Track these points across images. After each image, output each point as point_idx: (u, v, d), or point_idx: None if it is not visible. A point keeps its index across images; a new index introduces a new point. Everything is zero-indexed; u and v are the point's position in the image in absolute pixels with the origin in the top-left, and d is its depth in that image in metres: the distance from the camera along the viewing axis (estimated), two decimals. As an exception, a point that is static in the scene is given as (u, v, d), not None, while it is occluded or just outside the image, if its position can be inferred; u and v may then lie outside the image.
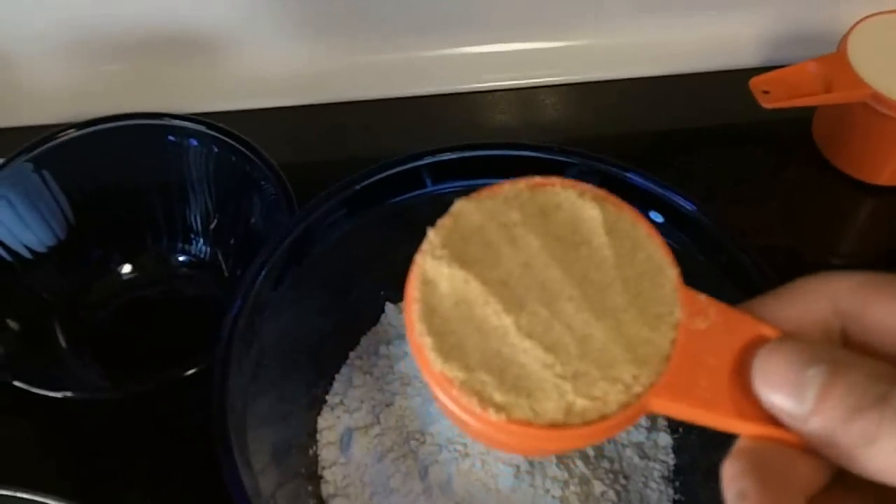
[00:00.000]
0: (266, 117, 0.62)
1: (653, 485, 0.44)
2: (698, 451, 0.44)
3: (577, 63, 0.64)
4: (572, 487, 0.42)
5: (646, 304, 0.22)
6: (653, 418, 0.46)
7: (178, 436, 0.48)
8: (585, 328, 0.22)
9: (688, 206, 0.42)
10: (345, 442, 0.45)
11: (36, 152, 0.50)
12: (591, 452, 0.44)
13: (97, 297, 0.53)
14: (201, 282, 0.53)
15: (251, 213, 0.50)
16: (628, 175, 0.43)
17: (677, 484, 0.45)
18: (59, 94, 0.62)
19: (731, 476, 0.21)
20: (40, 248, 0.51)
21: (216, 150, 0.51)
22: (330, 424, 0.46)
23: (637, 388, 0.22)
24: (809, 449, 0.21)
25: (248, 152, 0.50)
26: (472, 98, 0.64)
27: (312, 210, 0.43)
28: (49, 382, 0.44)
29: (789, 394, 0.21)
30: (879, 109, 0.53)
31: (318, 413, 0.46)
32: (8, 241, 0.50)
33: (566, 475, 0.42)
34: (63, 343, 0.50)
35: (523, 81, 0.64)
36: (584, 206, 0.24)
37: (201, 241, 0.54)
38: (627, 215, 0.24)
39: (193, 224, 0.53)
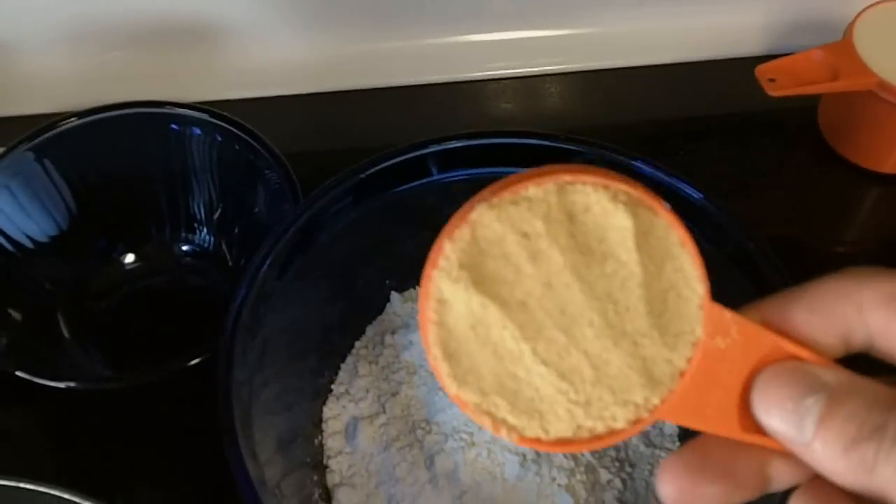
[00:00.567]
0: (270, 106, 0.62)
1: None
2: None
3: (582, 51, 0.64)
4: (578, 476, 0.42)
5: (668, 323, 0.22)
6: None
7: (182, 426, 0.48)
8: (603, 354, 0.22)
9: (695, 194, 0.41)
10: (350, 431, 0.45)
11: (37, 141, 0.50)
12: (597, 442, 0.43)
13: (100, 286, 0.53)
14: (205, 271, 0.53)
15: (255, 202, 0.50)
16: (635, 163, 0.42)
17: (683, 473, 0.45)
18: (60, 83, 0.62)
19: None
20: (42, 238, 0.51)
21: (220, 138, 0.51)
22: (335, 414, 0.46)
23: (647, 407, 0.22)
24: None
25: (251, 141, 0.49)
26: (476, 86, 0.63)
27: (317, 199, 0.42)
28: (52, 373, 0.44)
29: (789, 421, 0.21)
30: (885, 97, 0.53)
31: (324, 402, 0.46)
32: (9, 231, 0.49)
33: (572, 464, 0.42)
34: (66, 333, 0.50)
35: (528, 70, 0.64)
36: (615, 213, 0.22)
37: (205, 230, 0.53)
38: (662, 220, 0.22)
39: (197, 213, 0.53)
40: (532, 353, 0.21)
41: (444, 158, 0.44)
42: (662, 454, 0.45)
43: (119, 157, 0.52)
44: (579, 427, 0.22)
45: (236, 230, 0.52)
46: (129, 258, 0.54)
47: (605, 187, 0.22)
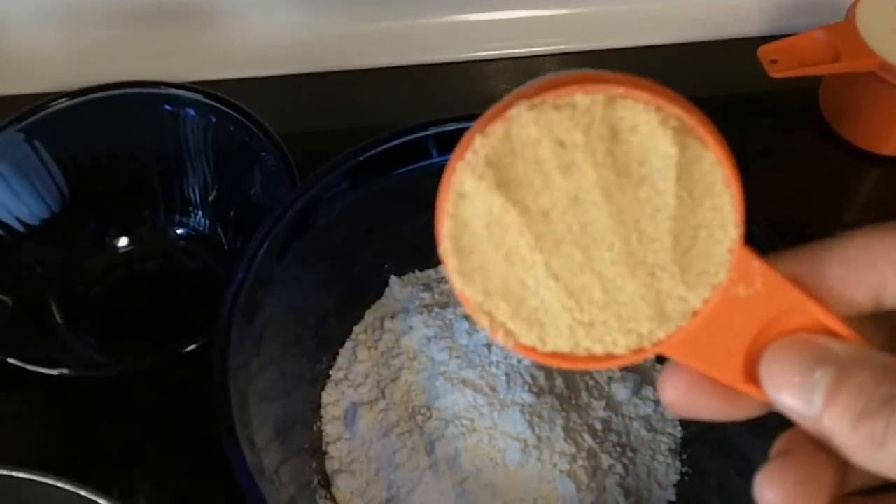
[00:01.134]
0: (265, 86, 0.61)
1: (660, 458, 0.44)
2: (706, 424, 0.44)
3: (581, 31, 0.63)
4: (580, 461, 0.42)
5: (691, 262, 0.21)
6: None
7: (178, 412, 0.47)
8: (617, 279, 0.21)
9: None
10: (349, 417, 0.44)
11: (27, 122, 0.49)
12: (598, 426, 0.43)
13: (93, 271, 0.52)
14: (200, 255, 0.52)
15: (251, 184, 0.49)
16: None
17: (685, 457, 0.44)
18: (51, 62, 0.61)
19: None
20: (33, 221, 0.50)
21: (214, 119, 0.50)
22: (334, 399, 0.45)
23: (651, 338, 0.22)
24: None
25: (247, 122, 0.48)
26: (474, 67, 0.62)
27: (315, 182, 0.42)
28: (44, 359, 0.43)
29: (797, 396, 0.20)
30: (887, 79, 0.53)
31: (322, 388, 0.46)
32: (-1, 214, 0.49)
33: (574, 449, 0.42)
34: (59, 318, 0.50)
35: (526, 50, 0.63)
36: (662, 138, 0.20)
37: (200, 213, 0.53)
38: (710, 155, 0.20)
39: (191, 196, 0.52)
40: (545, 265, 0.21)
41: (444, 140, 0.43)
42: (664, 439, 0.44)
43: (111, 139, 0.51)
44: (577, 345, 0.22)
45: (232, 213, 0.51)
46: (123, 241, 0.53)
47: (658, 108, 0.20)
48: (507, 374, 0.42)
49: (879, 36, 0.53)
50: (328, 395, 0.45)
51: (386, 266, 0.48)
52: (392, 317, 0.47)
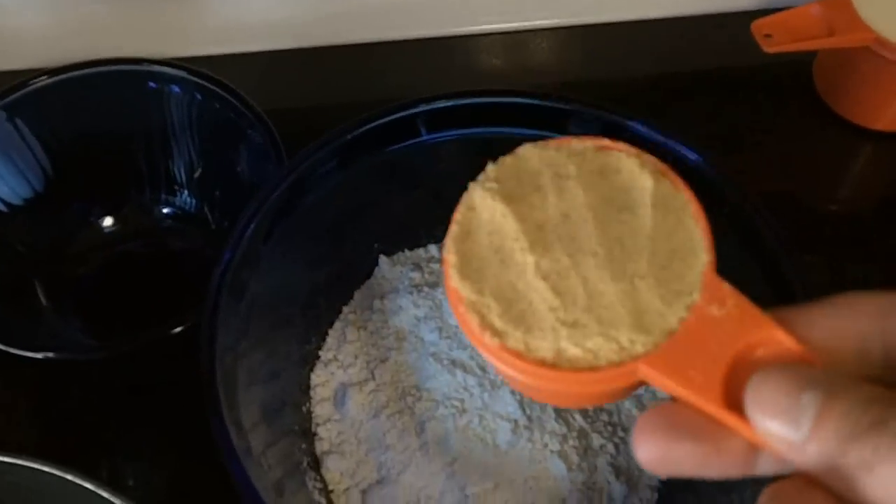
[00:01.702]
0: (251, 62, 0.60)
1: (652, 438, 0.44)
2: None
3: (574, 6, 0.62)
4: (571, 441, 0.41)
5: (668, 280, 0.23)
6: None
7: (167, 394, 0.47)
8: (599, 284, 0.23)
9: (692, 156, 0.40)
10: (339, 398, 0.44)
11: (9, 99, 0.48)
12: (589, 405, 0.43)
13: (78, 251, 0.51)
14: (187, 235, 0.52)
15: (237, 162, 0.49)
16: (630, 123, 0.41)
17: (677, 437, 0.44)
18: (33, 38, 0.60)
19: None
20: (15, 200, 0.49)
21: (199, 97, 0.49)
22: (324, 380, 0.45)
23: (631, 352, 0.22)
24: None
25: (232, 99, 0.48)
26: (465, 42, 0.62)
27: (302, 161, 0.41)
28: (29, 343, 0.42)
29: (784, 421, 0.20)
30: (882, 54, 0.52)
31: (312, 369, 0.45)
32: (-19, 193, 0.48)
33: (564, 429, 0.41)
34: (43, 300, 0.49)
35: (519, 24, 0.62)
36: (641, 176, 0.25)
37: (186, 192, 0.52)
38: (682, 195, 0.24)
39: (177, 175, 0.52)
40: (535, 266, 0.23)
41: (434, 118, 0.43)
42: (656, 419, 0.44)
43: (95, 117, 0.50)
44: (561, 352, 0.22)
45: (218, 192, 0.51)
46: (108, 221, 0.52)
47: (637, 156, 0.25)
48: (497, 355, 0.41)
49: (874, 10, 0.52)
50: (317, 376, 0.45)
51: (375, 245, 0.48)
52: (382, 297, 0.46)
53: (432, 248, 0.48)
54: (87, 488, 0.39)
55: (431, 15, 0.62)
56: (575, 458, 0.41)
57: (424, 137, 0.43)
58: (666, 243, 0.23)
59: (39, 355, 0.42)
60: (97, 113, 0.50)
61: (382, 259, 0.48)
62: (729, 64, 0.60)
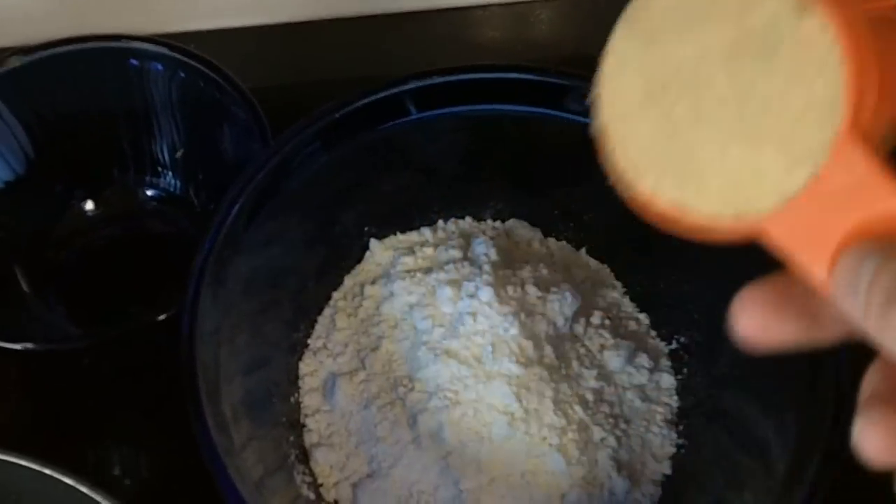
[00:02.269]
0: (236, 38, 0.59)
1: (655, 429, 0.42)
2: (703, 393, 0.42)
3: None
4: (570, 434, 0.40)
5: (798, 137, 0.21)
6: (655, 358, 0.44)
7: (152, 383, 0.46)
8: (720, 141, 0.22)
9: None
10: (328, 388, 0.43)
11: (-15, 79, 0.47)
12: (589, 397, 0.41)
13: (60, 235, 0.50)
14: (172, 217, 0.51)
15: (222, 142, 0.48)
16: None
17: (681, 427, 0.43)
18: (9, 16, 0.58)
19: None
20: (-6, 184, 0.48)
21: (182, 74, 0.48)
22: (312, 370, 0.44)
23: (751, 207, 0.21)
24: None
25: (216, 77, 0.47)
26: (461, 13, 0.60)
27: (288, 140, 0.40)
28: (11, 332, 0.41)
29: (847, 287, 0.20)
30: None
31: (300, 358, 0.44)
32: (-42, 176, 0.47)
33: (563, 422, 0.40)
34: (25, 287, 0.48)
35: (516, -6, 0.60)
36: (784, 7, 0.21)
37: (170, 173, 0.51)
38: (830, 32, 0.21)
39: (160, 155, 0.51)
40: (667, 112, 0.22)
41: (426, 95, 0.41)
42: (659, 409, 0.43)
43: (75, 96, 0.49)
44: (681, 196, 0.22)
45: (203, 172, 0.50)
46: (90, 205, 0.51)
47: None
48: (492, 344, 0.40)
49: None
50: (306, 365, 0.44)
51: (366, 229, 0.46)
52: (373, 282, 0.45)
53: (426, 232, 0.46)
54: (66, 483, 0.38)
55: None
56: (574, 452, 0.39)
57: (416, 115, 0.41)
58: (804, 94, 0.21)
59: (19, 346, 0.41)
60: (77, 92, 0.49)
61: (373, 243, 0.46)
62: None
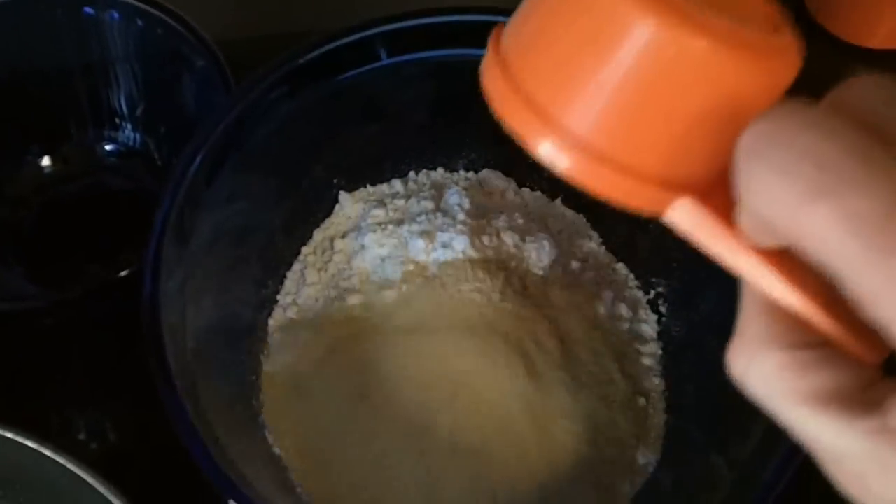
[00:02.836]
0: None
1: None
2: (683, 340, 0.42)
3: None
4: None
5: None
6: (634, 307, 0.43)
7: (115, 342, 0.45)
8: None
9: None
10: (298, 344, 0.41)
11: (-68, 32, 0.45)
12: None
13: (15, 193, 0.49)
14: (132, 172, 0.49)
15: (183, 94, 0.46)
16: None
17: (662, 374, 0.42)
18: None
19: None
20: (-56, 141, 0.47)
21: (140, 23, 0.46)
22: (282, 325, 0.42)
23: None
24: None
25: (177, 25, 0.45)
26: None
27: (251, 89, 0.39)
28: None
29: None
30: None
31: (269, 314, 0.43)
32: None
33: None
34: (-20, 246, 0.46)
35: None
36: None
37: (129, 126, 0.49)
38: None
39: (119, 108, 0.49)
40: None
41: (393, 40, 0.40)
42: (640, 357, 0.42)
43: (28, 47, 0.47)
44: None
45: (164, 125, 0.48)
46: (46, 161, 0.49)
47: None
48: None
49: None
50: (275, 321, 0.42)
51: (335, 181, 0.45)
52: (343, 236, 0.44)
53: (396, 184, 0.45)
54: (28, 447, 0.37)
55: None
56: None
57: (383, 62, 0.40)
58: None
59: (-24, 307, 0.39)
60: (30, 43, 0.47)
61: (343, 195, 0.45)
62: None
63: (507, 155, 0.46)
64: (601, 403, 0.39)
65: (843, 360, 0.18)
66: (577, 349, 0.40)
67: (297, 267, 0.44)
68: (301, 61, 0.39)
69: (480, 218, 0.42)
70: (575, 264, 0.43)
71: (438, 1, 0.54)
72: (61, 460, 0.36)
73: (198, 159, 0.37)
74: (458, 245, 0.39)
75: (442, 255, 0.40)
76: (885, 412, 0.17)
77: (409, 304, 0.40)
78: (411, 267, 0.40)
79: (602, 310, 0.42)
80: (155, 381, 0.33)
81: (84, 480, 0.36)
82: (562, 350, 0.39)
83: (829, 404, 0.17)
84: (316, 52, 0.39)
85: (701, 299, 0.40)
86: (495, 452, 0.38)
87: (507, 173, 0.46)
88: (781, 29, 0.21)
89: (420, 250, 0.40)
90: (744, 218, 0.18)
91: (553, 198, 0.46)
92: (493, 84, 0.22)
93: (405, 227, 0.42)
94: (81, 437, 0.44)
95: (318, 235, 0.45)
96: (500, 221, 0.42)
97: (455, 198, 0.42)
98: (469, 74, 0.41)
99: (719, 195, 0.20)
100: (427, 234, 0.41)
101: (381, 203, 0.44)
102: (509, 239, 0.41)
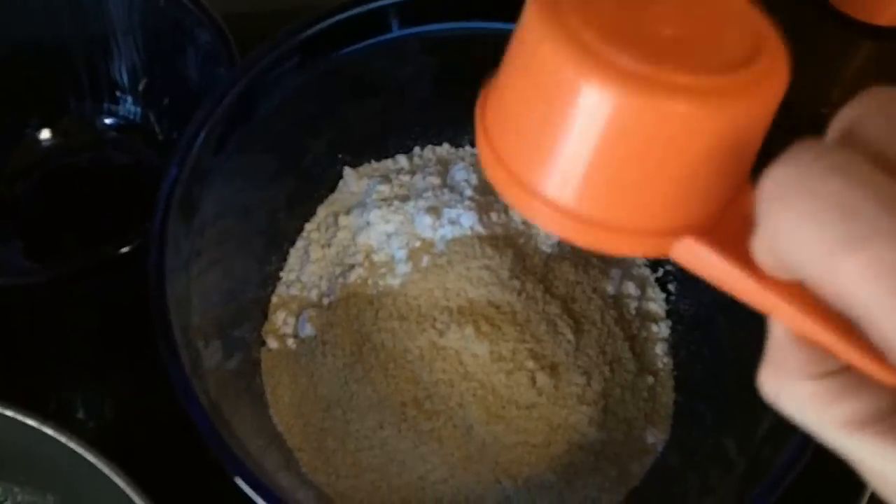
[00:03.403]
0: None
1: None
2: (692, 318, 0.41)
3: None
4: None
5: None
6: (642, 286, 0.42)
7: (116, 320, 0.44)
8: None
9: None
10: (301, 321, 0.41)
11: (-70, 3, 0.44)
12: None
13: (15, 167, 0.48)
14: (133, 147, 0.49)
15: (186, 67, 0.45)
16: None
17: (671, 351, 0.42)
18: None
19: None
20: (-57, 114, 0.46)
21: None
22: (284, 302, 0.42)
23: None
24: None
25: None
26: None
27: (256, 62, 0.38)
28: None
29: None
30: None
31: (273, 291, 0.43)
32: None
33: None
34: (-22, 221, 0.46)
35: None
36: None
37: (130, 100, 0.49)
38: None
39: (120, 81, 0.48)
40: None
41: (399, 13, 0.40)
42: (649, 335, 0.42)
43: (27, 19, 0.47)
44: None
45: (166, 100, 0.48)
46: (45, 134, 0.49)
47: None
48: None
49: None
50: (278, 298, 0.42)
51: (339, 156, 0.45)
52: (347, 212, 0.43)
53: (401, 159, 0.45)
54: (28, 425, 0.36)
55: None
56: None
57: (388, 35, 0.40)
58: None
59: (-25, 282, 0.39)
60: (30, 15, 0.46)
61: (347, 171, 0.45)
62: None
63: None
64: (610, 383, 0.39)
65: (869, 383, 0.18)
66: (587, 328, 0.40)
67: (300, 244, 0.43)
68: (308, 33, 0.38)
69: (488, 194, 0.41)
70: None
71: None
72: (62, 439, 0.36)
73: (202, 133, 0.36)
74: (466, 221, 0.39)
75: (449, 231, 0.39)
76: None
77: (415, 282, 0.39)
78: (417, 243, 0.40)
79: (610, 288, 0.41)
80: (160, 355, 0.32)
81: (84, 458, 0.35)
82: (571, 329, 0.39)
83: (864, 428, 0.18)
84: (322, 25, 0.38)
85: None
86: (501, 431, 0.38)
87: (513, 149, 0.46)
88: (762, 45, 0.20)
89: (427, 226, 0.40)
90: (762, 255, 0.19)
91: (560, 174, 0.46)
92: (485, 158, 0.23)
93: (411, 203, 0.41)
94: (80, 415, 0.44)
95: (322, 212, 0.44)
96: (508, 198, 0.41)
97: (462, 173, 0.42)
98: (474, 49, 0.41)
99: (723, 228, 0.20)
100: (434, 210, 0.40)
101: (386, 179, 0.43)
102: (517, 216, 0.40)
